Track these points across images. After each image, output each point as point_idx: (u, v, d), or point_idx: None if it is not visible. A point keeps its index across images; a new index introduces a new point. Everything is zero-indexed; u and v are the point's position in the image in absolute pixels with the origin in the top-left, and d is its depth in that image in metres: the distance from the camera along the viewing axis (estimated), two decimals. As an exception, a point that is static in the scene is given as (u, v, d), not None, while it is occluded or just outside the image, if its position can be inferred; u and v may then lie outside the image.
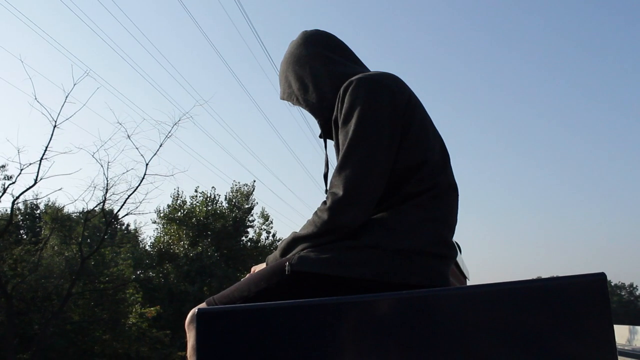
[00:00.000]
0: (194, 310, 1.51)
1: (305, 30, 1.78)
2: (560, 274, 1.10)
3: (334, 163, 1.68)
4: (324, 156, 1.75)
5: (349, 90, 1.50)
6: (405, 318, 1.07)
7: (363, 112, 1.47)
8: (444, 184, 1.55)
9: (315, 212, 1.48)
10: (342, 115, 1.50)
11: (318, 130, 1.76)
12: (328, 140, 1.75)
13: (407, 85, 1.60)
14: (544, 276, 1.15)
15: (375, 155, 1.45)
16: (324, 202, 1.47)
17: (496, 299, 1.07)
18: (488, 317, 1.06)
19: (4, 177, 14.55)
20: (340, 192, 1.43)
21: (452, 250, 1.54)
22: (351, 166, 1.44)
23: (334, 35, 1.77)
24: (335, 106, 1.56)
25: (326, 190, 1.67)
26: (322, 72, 1.68)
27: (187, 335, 1.51)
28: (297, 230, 1.55)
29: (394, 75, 1.60)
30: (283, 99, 1.77)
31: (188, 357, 1.49)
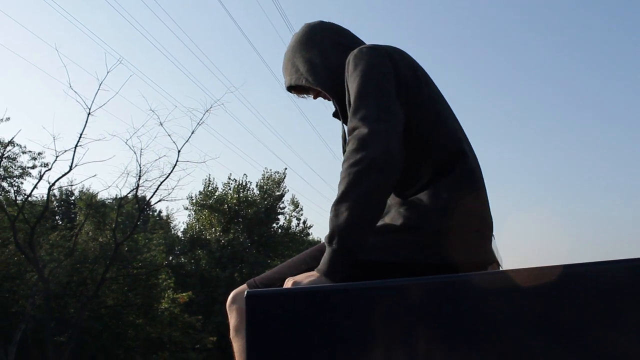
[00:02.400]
0: (235, 292, 1.54)
1: (308, 22, 1.74)
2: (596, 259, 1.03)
3: None
4: (340, 133, 1.70)
5: (353, 56, 1.50)
6: (448, 302, 1.03)
7: (366, 66, 1.45)
8: (470, 157, 1.51)
9: (343, 165, 1.33)
10: (349, 78, 1.48)
11: (329, 115, 1.72)
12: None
13: (413, 59, 1.58)
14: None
15: (387, 93, 1.41)
16: (347, 149, 1.34)
17: (534, 284, 1.01)
18: (525, 303, 1.00)
19: (40, 164, 14.83)
20: (363, 127, 1.33)
21: (491, 224, 1.50)
22: (366, 106, 1.38)
23: (338, 25, 1.74)
24: (344, 78, 1.53)
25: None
26: (331, 52, 1.64)
27: (229, 316, 1.53)
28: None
29: (400, 49, 1.58)
30: (290, 85, 1.69)
31: (231, 337, 1.51)
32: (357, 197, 1.25)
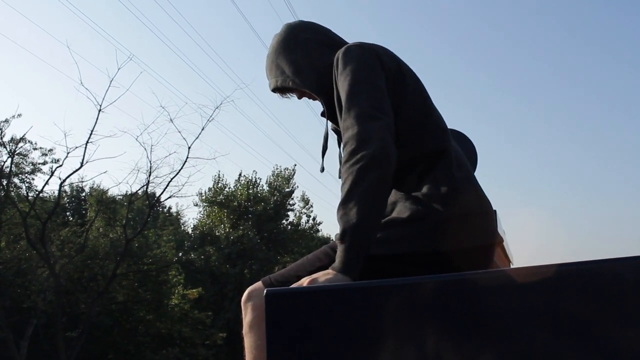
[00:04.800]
0: (251, 288, 1.56)
1: (288, 23, 1.75)
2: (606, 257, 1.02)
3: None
4: (323, 133, 1.71)
5: (341, 55, 1.52)
6: (465, 299, 1.02)
7: (356, 64, 1.48)
8: (454, 145, 1.56)
9: (344, 166, 1.36)
10: (338, 77, 1.51)
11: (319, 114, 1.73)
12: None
13: (396, 55, 1.61)
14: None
15: (378, 90, 1.44)
16: (345, 150, 1.38)
17: (544, 282, 1.00)
18: (536, 300, 0.99)
19: (52, 161, 14.93)
20: (359, 126, 1.37)
21: (490, 205, 1.54)
22: (359, 104, 1.41)
23: (319, 24, 1.75)
24: (333, 77, 1.55)
25: (322, 169, 1.72)
26: (315, 53, 1.65)
27: (243, 312, 1.55)
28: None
29: (383, 46, 1.62)
30: (276, 87, 1.70)
31: (244, 333, 1.53)
32: (363, 193, 1.29)
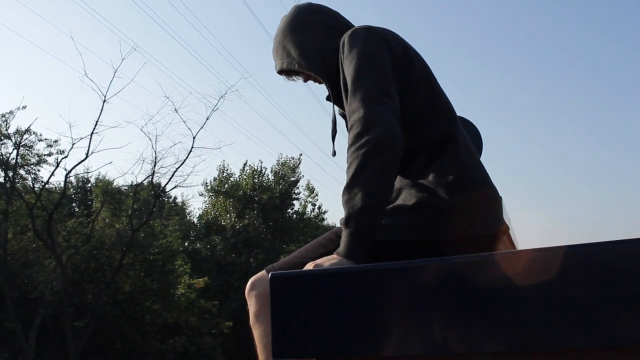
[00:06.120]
0: (254, 278, 1.55)
1: (297, 5, 1.73)
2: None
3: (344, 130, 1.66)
4: (331, 117, 1.70)
5: (347, 38, 1.50)
6: (468, 282, 1.02)
7: (362, 47, 1.46)
8: (462, 132, 1.55)
9: (349, 149, 1.35)
10: (344, 60, 1.49)
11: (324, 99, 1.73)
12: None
13: (403, 39, 1.60)
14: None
15: (384, 74, 1.42)
16: (351, 133, 1.37)
17: (550, 265, 0.99)
18: (542, 283, 0.99)
19: (57, 152, 14.95)
20: (365, 109, 1.35)
21: (497, 192, 1.53)
22: (365, 87, 1.40)
23: (327, 7, 1.74)
24: (339, 60, 1.54)
25: (334, 153, 1.71)
26: (322, 36, 1.64)
27: (248, 303, 1.53)
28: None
29: (391, 30, 1.61)
30: (282, 69, 1.69)
31: (251, 324, 1.51)
32: (368, 178, 1.28)
